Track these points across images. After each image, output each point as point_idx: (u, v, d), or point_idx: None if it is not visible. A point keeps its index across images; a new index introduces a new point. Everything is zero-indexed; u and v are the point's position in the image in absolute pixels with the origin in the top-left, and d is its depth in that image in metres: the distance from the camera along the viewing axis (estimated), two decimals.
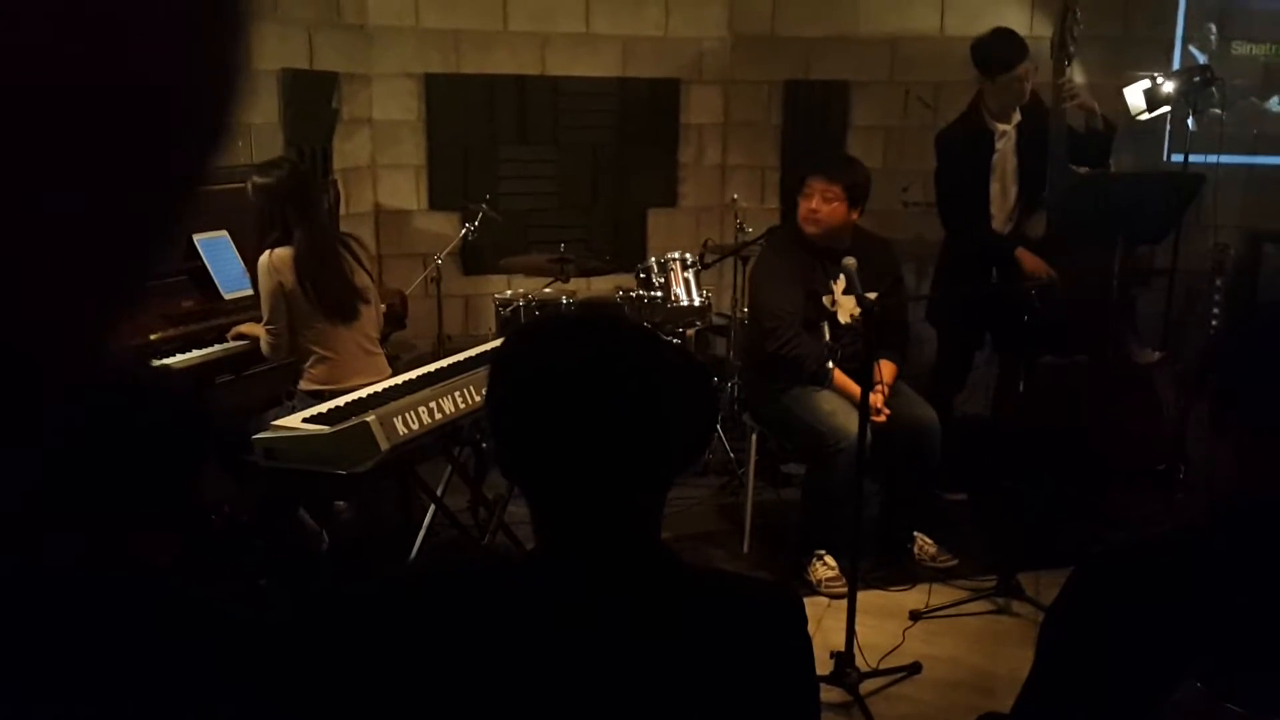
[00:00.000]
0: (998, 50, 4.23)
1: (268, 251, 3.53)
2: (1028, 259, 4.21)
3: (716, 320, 5.24)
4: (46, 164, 0.33)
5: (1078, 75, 4.28)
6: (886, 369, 3.83)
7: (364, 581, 1.40)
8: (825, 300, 3.95)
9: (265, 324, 3.58)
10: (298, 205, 3.54)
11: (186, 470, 1.42)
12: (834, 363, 3.88)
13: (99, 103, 0.33)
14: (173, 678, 1.28)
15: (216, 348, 3.82)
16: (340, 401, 3.22)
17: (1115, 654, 1.31)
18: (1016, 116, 4.35)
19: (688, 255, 4.89)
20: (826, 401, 3.82)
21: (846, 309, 3.94)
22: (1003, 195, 4.43)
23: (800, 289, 3.93)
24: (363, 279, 3.71)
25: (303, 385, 3.63)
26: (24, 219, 0.33)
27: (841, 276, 3.92)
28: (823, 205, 3.87)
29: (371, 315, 3.74)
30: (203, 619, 1.34)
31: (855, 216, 3.94)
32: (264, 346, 3.62)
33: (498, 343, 4.04)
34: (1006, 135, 4.38)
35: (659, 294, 4.81)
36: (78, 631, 1.27)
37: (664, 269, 4.85)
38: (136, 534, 1.35)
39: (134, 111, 0.34)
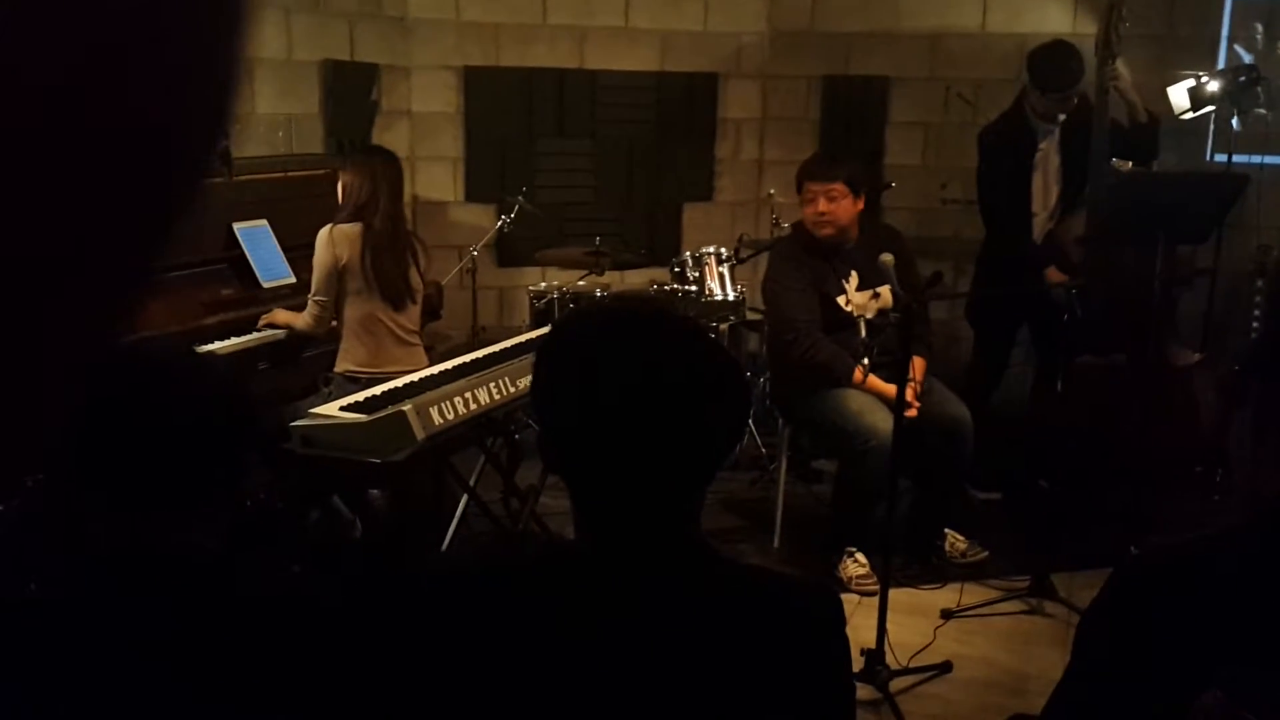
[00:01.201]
0: (1054, 72, 4.18)
1: (330, 225, 3.63)
2: (1055, 278, 4.17)
3: (750, 315, 5.23)
4: (49, 158, 0.33)
5: (1122, 71, 4.23)
6: (917, 364, 3.80)
7: (405, 573, 1.41)
8: (840, 300, 3.93)
9: (313, 295, 3.68)
10: (390, 191, 3.69)
11: (232, 458, 1.43)
12: (869, 359, 3.86)
13: (100, 100, 0.34)
14: (212, 667, 1.29)
15: (255, 335, 3.86)
16: (376, 390, 3.25)
17: (1154, 656, 1.30)
18: (1061, 116, 4.31)
19: (723, 250, 4.88)
20: (855, 400, 3.80)
21: (861, 304, 3.91)
22: (1044, 193, 4.39)
23: (814, 293, 3.91)
24: (416, 280, 3.81)
25: (340, 367, 3.71)
26: (28, 211, 0.34)
27: (854, 274, 3.91)
28: (829, 205, 3.85)
29: (415, 312, 3.84)
30: (243, 609, 1.35)
31: (860, 205, 3.92)
32: (306, 318, 3.71)
33: (534, 334, 4.07)
34: (1051, 134, 4.34)
35: (694, 288, 4.81)
36: (116, 624, 1.28)
37: (699, 263, 4.84)
38: (182, 522, 1.36)
39: (134, 108, 0.35)
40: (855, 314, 3.91)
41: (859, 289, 3.92)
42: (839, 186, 3.85)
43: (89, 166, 0.35)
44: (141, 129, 0.36)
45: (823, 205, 3.86)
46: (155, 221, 0.38)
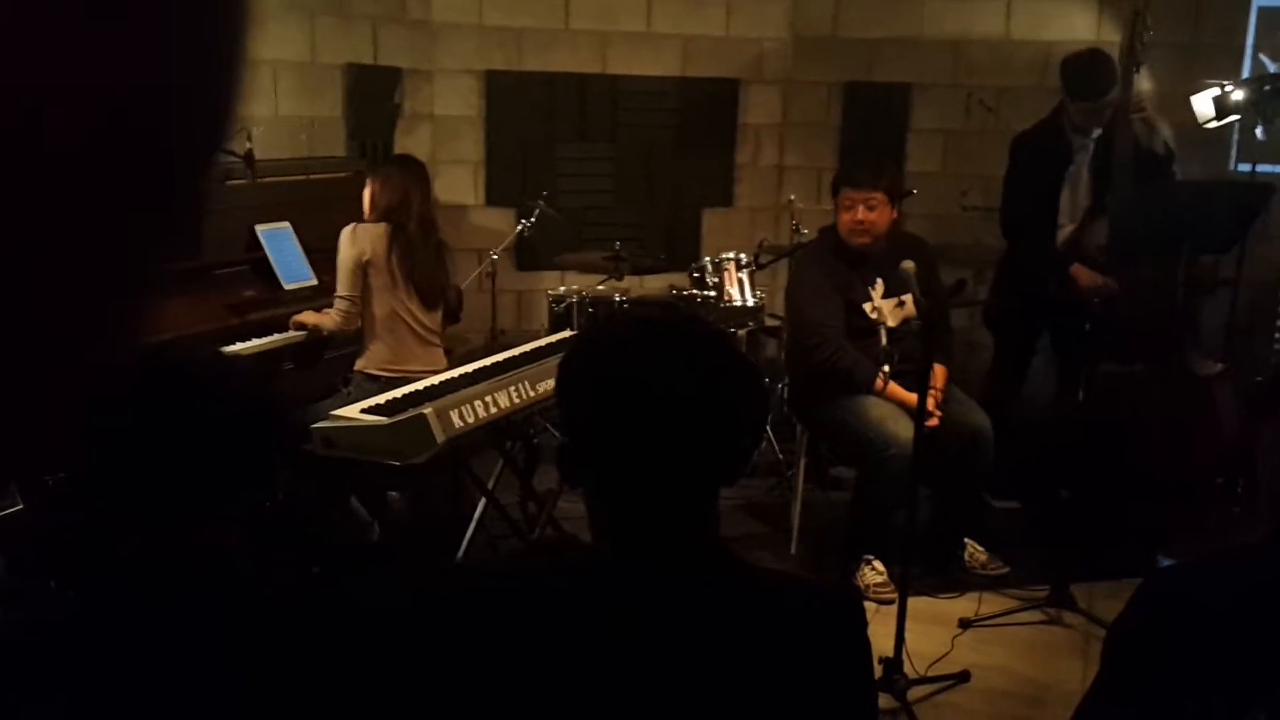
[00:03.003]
0: (1084, 80, 4.16)
1: (353, 224, 3.66)
2: (1083, 275, 4.13)
3: (769, 321, 5.23)
4: (50, 162, 0.34)
5: (1145, 82, 4.20)
6: (938, 372, 3.79)
7: (425, 578, 1.41)
8: (866, 308, 3.91)
9: (339, 293, 3.70)
10: (421, 195, 3.77)
11: (260, 458, 1.43)
12: (890, 367, 3.85)
13: (98, 100, 0.34)
14: (244, 670, 1.29)
15: (277, 337, 3.88)
16: (398, 393, 3.26)
17: (1184, 674, 1.28)
18: (1097, 131, 4.28)
19: (742, 255, 4.88)
20: (875, 408, 3.79)
21: (887, 313, 3.90)
22: (1073, 206, 4.35)
23: (839, 299, 3.89)
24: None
25: (361, 366, 3.74)
26: (32, 218, 0.34)
27: (880, 281, 3.89)
28: (868, 214, 3.82)
29: (438, 315, 3.89)
30: (276, 611, 1.35)
31: (895, 214, 3.90)
32: (335, 316, 3.73)
33: (553, 338, 4.07)
34: (1085, 148, 4.30)
35: (712, 294, 4.81)
36: (145, 625, 1.28)
37: (718, 269, 4.84)
38: (211, 524, 1.36)
39: (133, 108, 0.35)
40: (879, 321, 3.89)
41: (884, 296, 3.90)
42: (879, 195, 3.82)
43: (88, 170, 0.35)
44: (142, 131, 0.36)
45: (861, 214, 3.82)
46: (156, 224, 0.39)
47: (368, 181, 3.80)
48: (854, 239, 3.86)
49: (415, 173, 3.80)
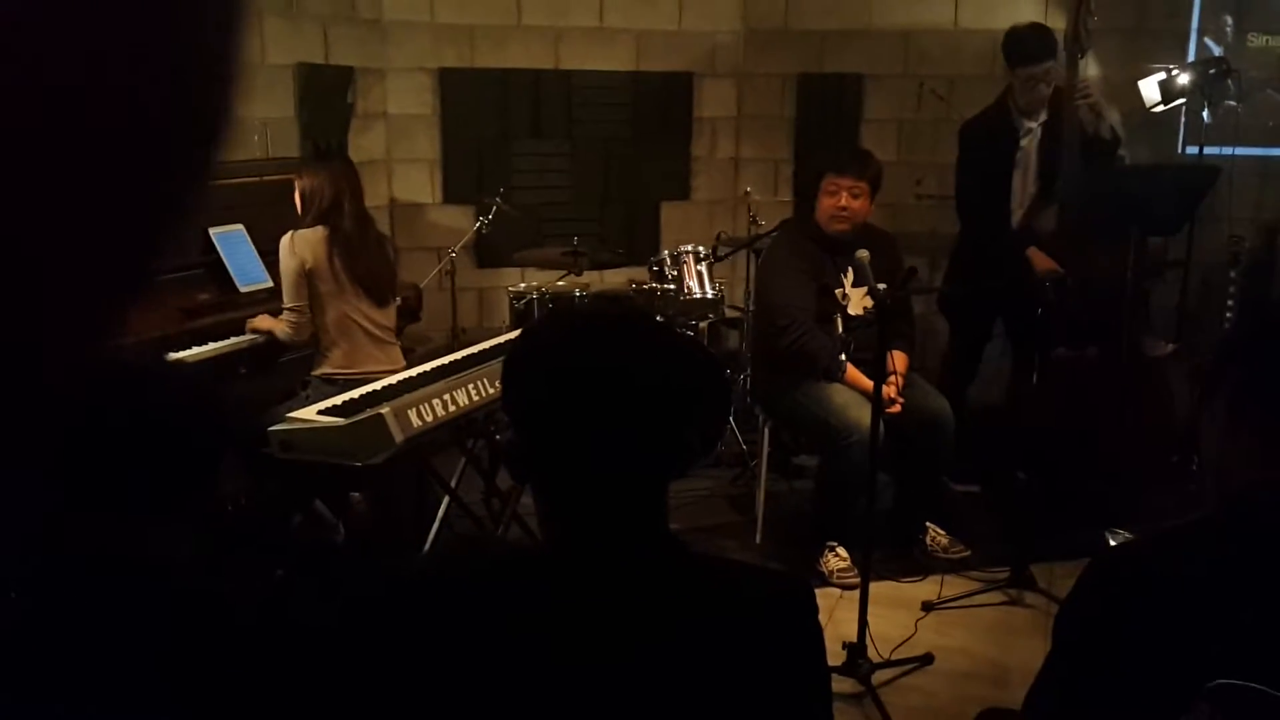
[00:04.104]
0: (1023, 42, 4.22)
1: (290, 233, 3.63)
2: (1039, 258, 4.18)
3: (729, 313, 5.25)
4: (45, 162, 0.34)
5: (1092, 67, 4.26)
6: (899, 359, 3.83)
7: (377, 576, 1.41)
8: (838, 294, 3.95)
9: (286, 304, 3.67)
10: (352, 195, 3.72)
11: (204, 466, 1.43)
12: (846, 355, 3.89)
13: (100, 100, 0.34)
14: (183, 674, 1.29)
15: (232, 340, 3.85)
16: (355, 394, 3.24)
17: (1131, 652, 1.30)
18: (1043, 115, 4.33)
19: (701, 248, 4.89)
20: (838, 395, 3.82)
21: (857, 301, 3.94)
22: (1023, 191, 4.41)
23: (812, 284, 3.92)
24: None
25: (318, 370, 3.71)
26: (24, 217, 0.34)
27: (851, 269, 3.92)
28: (852, 201, 3.86)
29: (392, 310, 3.87)
30: (216, 615, 1.35)
31: (872, 206, 3.94)
32: (284, 328, 3.70)
33: (512, 335, 4.06)
34: (1032, 132, 4.35)
35: (672, 287, 4.82)
36: (91, 630, 1.28)
37: (677, 262, 4.86)
38: (152, 531, 1.36)
39: (134, 108, 0.35)
40: (848, 309, 3.93)
41: (854, 285, 3.94)
42: (864, 185, 3.86)
43: (88, 167, 0.35)
44: (141, 130, 0.36)
45: (845, 200, 3.85)
46: (155, 223, 0.39)
47: (295, 183, 3.75)
48: (834, 225, 3.89)
49: (344, 171, 3.77)
